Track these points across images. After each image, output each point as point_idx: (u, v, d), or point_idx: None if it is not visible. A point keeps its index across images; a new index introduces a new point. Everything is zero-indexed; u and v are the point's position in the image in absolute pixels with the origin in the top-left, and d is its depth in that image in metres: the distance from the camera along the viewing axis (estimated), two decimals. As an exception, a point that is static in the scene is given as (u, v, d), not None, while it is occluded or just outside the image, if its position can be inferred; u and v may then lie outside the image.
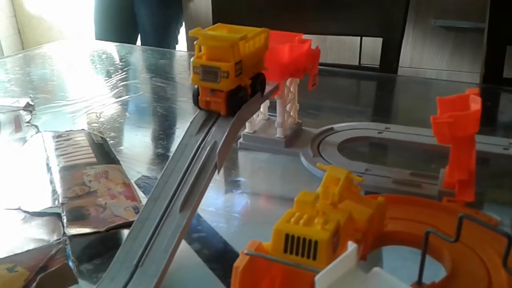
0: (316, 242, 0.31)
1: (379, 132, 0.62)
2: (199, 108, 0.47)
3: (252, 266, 0.32)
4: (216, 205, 0.52)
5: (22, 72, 1.02)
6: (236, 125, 0.46)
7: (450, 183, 0.47)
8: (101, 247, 0.44)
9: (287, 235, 0.32)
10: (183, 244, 0.42)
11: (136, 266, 0.37)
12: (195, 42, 0.44)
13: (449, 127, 0.43)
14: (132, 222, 0.41)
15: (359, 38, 1.59)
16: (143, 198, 0.50)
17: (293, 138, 0.61)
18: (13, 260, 0.40)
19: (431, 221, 0.42)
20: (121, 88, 0.89)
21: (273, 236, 0.32)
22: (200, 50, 0.45)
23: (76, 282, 0.38)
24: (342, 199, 0.36)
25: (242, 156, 0.62)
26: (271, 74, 0.55)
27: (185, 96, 0.86)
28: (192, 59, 0.44)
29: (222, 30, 0.48)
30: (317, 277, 0.24)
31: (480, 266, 0.37)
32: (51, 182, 0.52)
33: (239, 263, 0.31)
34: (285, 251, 0.32)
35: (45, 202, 0.48)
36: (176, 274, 0.40)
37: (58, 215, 0.46)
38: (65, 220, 0.44)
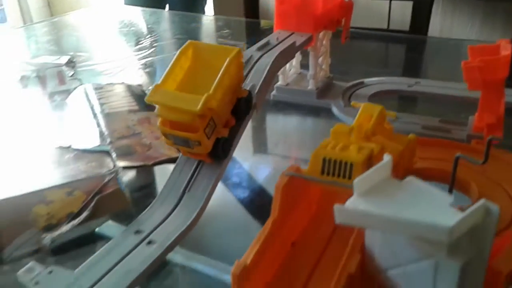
0: (351, 164, 0.33)
1: (409, 86, 0.63)
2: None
3: (292, 187, 0.34)
4: (250, 153, 0.55)
5: (59, 34, 1.06)
6: (273, 69, 0.48)
7: (479, 128, 0.48)
8: (149, 179, 0.47)
9: (324, 159, 0.34)
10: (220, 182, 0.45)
11: (184, 191, 0.41)
12: (155, 111, 0.38)
13: (479, 72, 0.44)
14: (177, 158, 0.44)
15: (387, 3, 1.57)
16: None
17: (325, 90, 0.63)
18: (71, 186, 0.44)
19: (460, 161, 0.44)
20: (154, 48, 0.92)
21: (311, 160, 0.35)
22: None
23: (128, 206, 0.41)
24: (374, 134, 0.38)
25: (275, 107, 0.64)
26: (304, 26, 0.57)
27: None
28: (158, 123, 0.38)
29: (183, 62, 0.40)
30: (355, 181, 0.27)
31: (506, 199, 0.39)
32: (98, 125, 0.56)
33: (280, 182, 0.34)
34: (322, 173, 0.34)
35: (94, 141, 0.52)
36: (213, 209, 0.43)
37: (107, 152, 0.50)
38: (114, 155, 0.48)
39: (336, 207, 0.26)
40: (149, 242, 0.36)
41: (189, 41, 0.41)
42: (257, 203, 0.46)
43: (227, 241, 0.41)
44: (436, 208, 0.25)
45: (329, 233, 0.37)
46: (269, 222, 0.33)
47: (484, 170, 0.42)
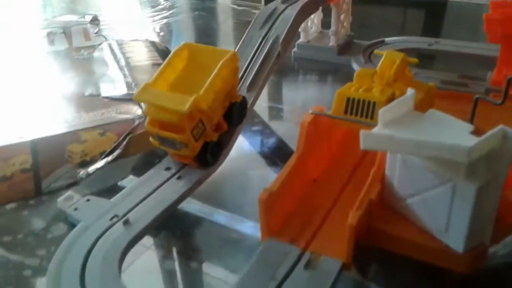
0: (374, 103, 0.35)
1: (429, 45, 0.64)
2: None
3: (316, 125, 0.36)
4: (269, 107, 0.57)
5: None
6: (297, 21, 0.50)
7: (497, 81, 0.49)
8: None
9: (348, 99, 0.36)
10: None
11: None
12: (142, 111, 0.38)
13: (500, 24, 0.45)
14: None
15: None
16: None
17: (345, 48, 0.64)
18: (103, 127, 0.46)
19: (477, 111, 0.45)
20: (174, 10, 0.93)
21: (335, 100, 0.37)
22: None
23: (159, 146, 0.43)
24: (396, 80, 0.40)
25: (295, 63, 0.65)
26: (328, -19, 0.58)
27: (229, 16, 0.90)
28: (145, 123, 0.37)
29: (176, 63, 0.39)
30: (380, 111, 0.28)
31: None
32: (124, 76, 0.58)
33: (305, 120, 0.35)
34: (346, 113, 0.36)
35: (121, 90, 0.54)
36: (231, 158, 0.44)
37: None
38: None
39: (362, 132, 0.27)
40: (178, 178, 0.39)
41: (184, 42, 0.40)
42: (275, 155, 0.48)
43: (242, 194, 0.42)
44: (457, 134, 0.26)
45: (349, 172, 0.39)
46: (294, 156, 0.35)
47: (501, 118, 0.43)
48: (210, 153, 0.38)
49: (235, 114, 0.41)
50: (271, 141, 0.50)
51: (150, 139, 0.38)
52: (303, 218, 0.33)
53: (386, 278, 0.33)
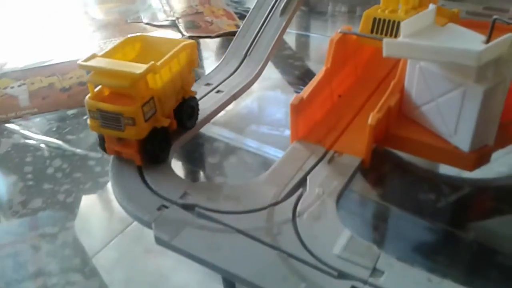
0: (399, 23, 0.38)
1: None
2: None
3: (344, 43, 0.39)
4: (300, 30, 0.60)
5: None
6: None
7: (521, 12, 0.51)
8: (214, 49, 0.53)
9: (374, 19, 0.39)
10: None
11: (245, 55, 0.47)
12: (86, 79, 0.32)
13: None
14: (236, 32, 0.50)
15: None
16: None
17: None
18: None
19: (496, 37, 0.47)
20: None
21: (362, 21, 0.40)
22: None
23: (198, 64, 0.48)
24: (421, 5, 0.42)
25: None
26: None
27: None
28: (86, 99, 0.31)
29: (128, 51, 0.36)
30: (403, 23, 0.31)
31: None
32: (163, 5, 0.61)
33: (334, 37, 0.39)
34: (372, 32, 0.39)
35: (161, 17, 0.58)
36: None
37: (174, 26, 0.55)
38: (182, 27, 0.54)
39: (385, 40, 0.31)
40: (218, 91, 0.43)
41: (138, 34, 0.37)
42: (301, 79, 0.50)
43: (269, 114, 0.45)
44: (470, 41, 0.30)
45: (372, 90, 0.42)
46: (322, 70, 0.39)
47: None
48: (158, 146, 0.33)
49: (187, 111, 0.37)
50: (298, 65, 0.53)
51: (89, 122, 0.32)
52: (329, 126, 0.38)
53: (397, 177, 0.37)
